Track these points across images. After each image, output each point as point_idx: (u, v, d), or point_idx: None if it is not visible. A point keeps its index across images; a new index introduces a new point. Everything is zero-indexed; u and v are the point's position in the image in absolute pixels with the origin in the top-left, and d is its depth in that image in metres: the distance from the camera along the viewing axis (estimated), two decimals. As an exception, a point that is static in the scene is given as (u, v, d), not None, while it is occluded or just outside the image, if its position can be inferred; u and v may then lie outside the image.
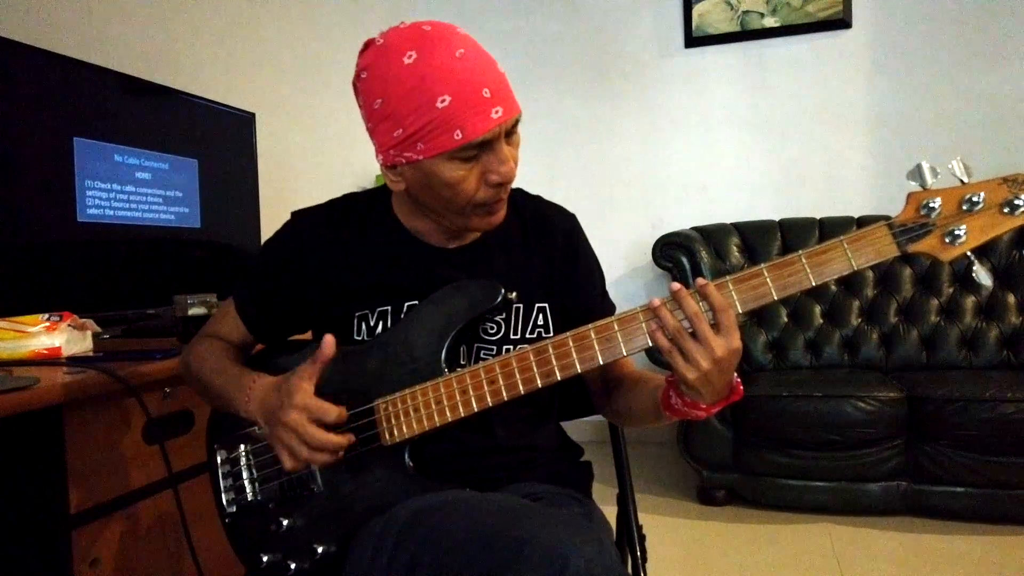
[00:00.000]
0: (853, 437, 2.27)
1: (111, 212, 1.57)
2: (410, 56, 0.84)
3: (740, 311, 0.81)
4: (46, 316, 1.29)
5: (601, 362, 0.83)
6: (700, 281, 0.79)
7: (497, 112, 0.84)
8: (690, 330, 0.79)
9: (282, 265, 1.02)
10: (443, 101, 0.83)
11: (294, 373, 0.87)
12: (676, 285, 0.79)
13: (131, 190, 1.62)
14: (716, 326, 0.78)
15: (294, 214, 1.05)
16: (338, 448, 0.85)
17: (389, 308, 0.97)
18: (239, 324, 1.05)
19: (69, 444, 1.09)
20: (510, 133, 0.89)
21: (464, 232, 1.00)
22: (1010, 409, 2.15)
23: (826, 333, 2.79)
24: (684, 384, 0.81)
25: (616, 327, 0.83)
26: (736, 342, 0.78)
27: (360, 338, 0.98)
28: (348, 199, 1.06)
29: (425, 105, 0.83)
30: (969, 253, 0.76)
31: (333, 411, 0.85)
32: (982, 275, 0.77)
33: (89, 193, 1.52)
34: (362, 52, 0.91)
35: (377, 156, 0.93)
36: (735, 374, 0.83)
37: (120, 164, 1.59)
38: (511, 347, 0.97)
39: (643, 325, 0.82)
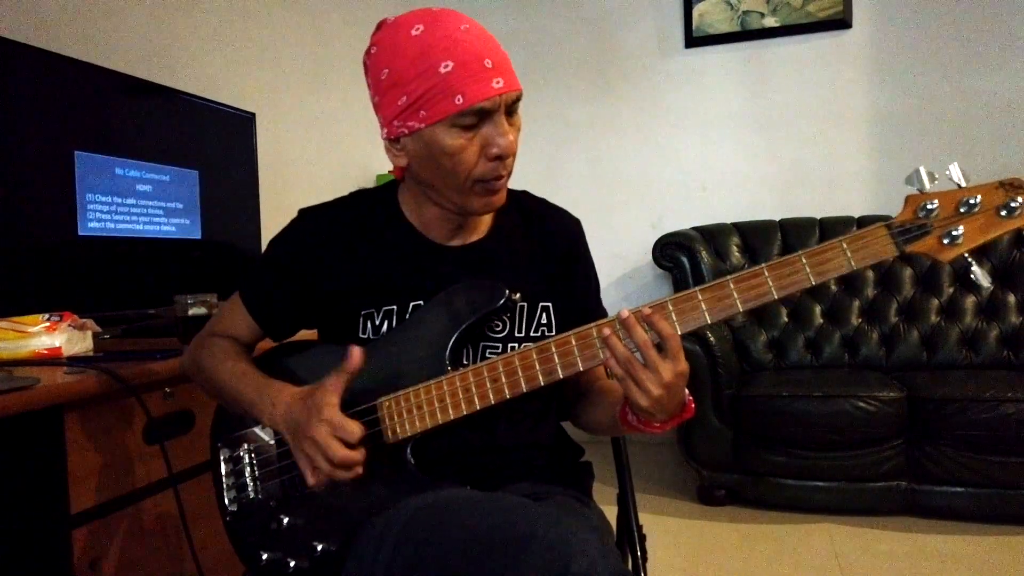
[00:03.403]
0: (853, 437, 2.27)
1: (112, 225, 1.57)
2: (417, 28, 0.87)
3: (741, 310, 0.82)
4: (46, 316, 1.29)
5: (604, 358, 0.84)
6: (645, 311, 0.81)
7: (498, 82, 0.86)
8: (640, 358, 0.81)
9: (288, 262, 1.02)
10: (446, 67, 0.85)
11: (321, 386, 0.87)
12: (625, 313, 0.82)
13: (132, 203, 1.62)
14: (663, 351, 0.81)
15: (301, 211, 1.05)
16: (358, 464, 0.85)
17: (395, 308, 0.98)
18: (248, 319, 1.04)
19: (69, 444, 1.09)
20: (511, 112, 0.91)
21: (466, 219, 1.00)
22: (1010, 409, 2.16)
23: (826, 333, 2.79)
24: (637, 408, 0.84)
25: (619, 326, 0.84)
26: (682, 365, 0.82)
27: (365, 336, 0.98)
28: (356, 196, 1.06)
29: (429, 71, 0.85)
30: (966, 254, 0.76)
31: (355, 429, 0.84)
32: (980, 276, 0.77)
33: (90, 207, 1.51)
34: (374, 32, 0.93)
35: (382, 131, 0.94)
36: (686, 391, 0.86)
37: (121, 177, 1.59)
38: (516, 345, 0.98)
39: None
